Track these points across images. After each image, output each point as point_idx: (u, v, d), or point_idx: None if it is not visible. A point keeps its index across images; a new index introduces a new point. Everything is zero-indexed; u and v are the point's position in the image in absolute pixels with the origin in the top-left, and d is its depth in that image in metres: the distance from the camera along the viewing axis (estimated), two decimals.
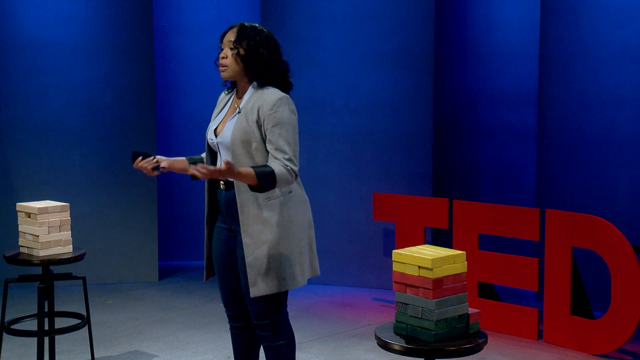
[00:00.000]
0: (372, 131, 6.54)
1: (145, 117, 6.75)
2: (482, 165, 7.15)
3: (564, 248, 5.07)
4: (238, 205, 3.47)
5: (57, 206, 4.42)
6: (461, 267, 3.12)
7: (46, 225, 4.36)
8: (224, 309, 3.79)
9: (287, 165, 3.37)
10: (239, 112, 3.49)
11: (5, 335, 4.53)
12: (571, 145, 5.91)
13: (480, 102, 7.11)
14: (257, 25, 3.54)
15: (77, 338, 5.16)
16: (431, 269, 3.01)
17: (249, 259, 3.46)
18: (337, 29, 6.56)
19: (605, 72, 5.73)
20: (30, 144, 6.52)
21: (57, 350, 4.83)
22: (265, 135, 3.43)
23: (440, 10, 6.74)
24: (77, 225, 5.56)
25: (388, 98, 6.51)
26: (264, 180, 3.30)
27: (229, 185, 3.54)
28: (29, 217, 4.40)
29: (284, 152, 3.38)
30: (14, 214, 4.78)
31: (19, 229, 4.48)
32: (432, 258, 3.02)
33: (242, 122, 3.45)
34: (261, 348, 3.78)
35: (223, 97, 3.73)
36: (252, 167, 3.33)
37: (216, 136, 3.56)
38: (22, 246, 4.48)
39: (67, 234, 4.44)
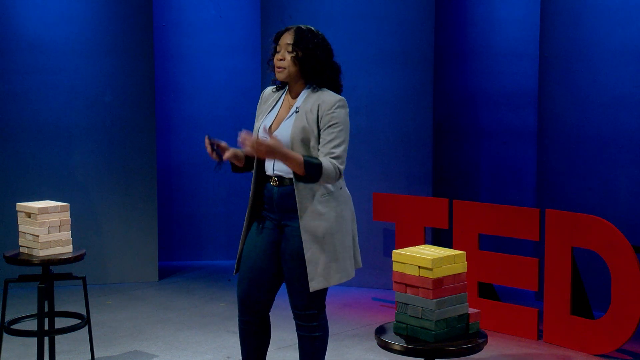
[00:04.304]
0: (372, 131, 6.53)
1: (145, 117, 6.74)
2: (482, 165, 7.15)
3: (564, 248, 5.07)
4: (297, 200, 3.54)
5: (57, 206, 4.42)
6: (461, 267, 3.12)
7: (46, 225, 4.36)
8: (238, 303, 3.77)
9: (334, 163, 3.48)
10: (296, 112, 3.58)
11: (5, 335, 4.53)
12: (571, 145, 5.91)
13: (480, 102, 7.11)
14: (312, 28, 3.67)
15: (77, 338, 5.16)
16: (431, 269, 3.01)
17: (307, 254, 3.56)
18: (337, 29, 6.54)
19: (605, 72, 5.73)
20: (30, 144, 6.52)
21: (57, 350, 4.82)
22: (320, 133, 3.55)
23: (440, 10, 6.74)
24: (77, 225, 5.56)
25: (388, 98, 6.50)
26: (311, 169, 3.42)
27: (282, 182, 3.61)
28: (29, 217, 4.40)
29: (334, 150, 3.51)
30: (14, 214, 4.78)
31: (19, 229, 4.48)
32: (432, 258, 3.02)
33: (301, 121, 3.55)
34: (268, 344, 3.86)
35: (269, 94, 3.78)
36: (302, 155, 3.44)
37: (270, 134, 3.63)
38: (22, 246, 4.48)
39: (67, 234, 4.44)
